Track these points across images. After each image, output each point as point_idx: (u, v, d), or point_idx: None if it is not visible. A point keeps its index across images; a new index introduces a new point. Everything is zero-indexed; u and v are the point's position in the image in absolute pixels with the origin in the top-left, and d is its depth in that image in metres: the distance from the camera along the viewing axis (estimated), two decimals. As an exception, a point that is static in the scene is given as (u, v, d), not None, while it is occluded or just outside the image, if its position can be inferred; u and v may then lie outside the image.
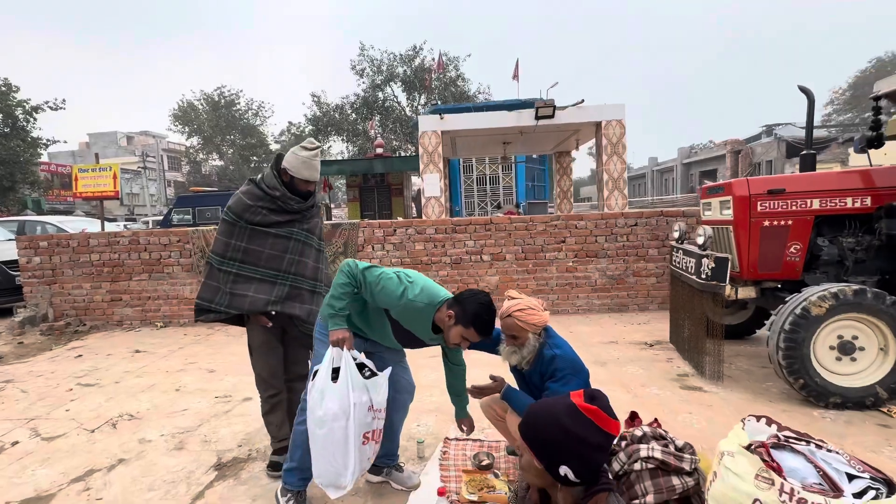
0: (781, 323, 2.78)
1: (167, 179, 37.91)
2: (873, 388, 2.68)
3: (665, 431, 1.96)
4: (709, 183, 4.07)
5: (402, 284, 1.76)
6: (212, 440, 2.70)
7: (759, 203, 3.18)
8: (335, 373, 1.76)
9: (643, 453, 1.83)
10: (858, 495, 1.21)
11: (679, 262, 3.67)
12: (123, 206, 33.72)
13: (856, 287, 2.68)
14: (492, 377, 2.13)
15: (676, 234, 3.84)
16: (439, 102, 24.68)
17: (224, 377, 3.81)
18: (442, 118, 7.21)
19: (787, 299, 2.88)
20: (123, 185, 31.22)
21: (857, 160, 19.67)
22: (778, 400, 2.92)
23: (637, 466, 1.81)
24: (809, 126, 3.79)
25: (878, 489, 1.21)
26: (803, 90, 3.87)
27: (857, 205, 3.07)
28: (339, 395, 1.73)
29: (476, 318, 1.70)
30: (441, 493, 2.08)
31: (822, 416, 2.68)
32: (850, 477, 1.25)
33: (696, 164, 31.90)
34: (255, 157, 35.13)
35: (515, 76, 14.20)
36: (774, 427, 1.56)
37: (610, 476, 1.89)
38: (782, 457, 1.32)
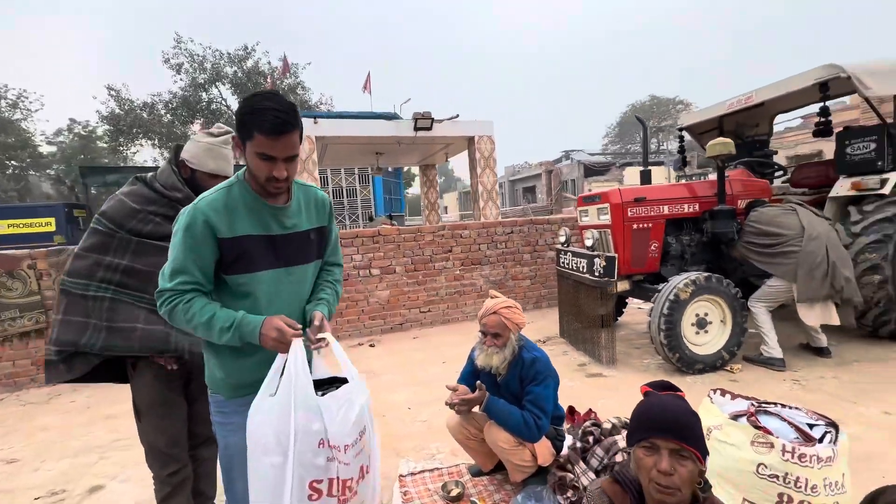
0: (660, 308, 3.32)
1: None
2: (720, 353, 3.41)
3: (627, 418, 2.11)
4: (568, 195, 4.67)
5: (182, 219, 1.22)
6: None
7: (629, 209, 3.77)
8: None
9: (621, 444, 1.91)
10: (820, 440, 1.47)
11: (568, 263, 4.09)
12: None
13: (706, 274, 3.38)
14: (478, 385, 1.97)
15: (563, 239, 4.27)
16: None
17: (41, 466, 2.67)
18: (316, 122, 6.62)
19: (659, 288, 3.46)
20: None
21: (630, 179, 25.57)
22: (660, 373, 3.47)
23: (619, 458, 1.89)
24: (645, 148, 4.68)
25: (830, 431, 1.50)
26: (639, 119, 4.78)
27: (691, 210, 3.91)
28: (277, 413, 1.15)
29: (255, 114, 1.12)
30: (424, 539, 1.81)
31: (693, 381, 3.28)
32: (811, 426, 1.52)
33: (519, 181, 36.79)
34: (14, 162, 26.57)
35: (367, 89, 14.11)
36: (728, 396, 1.81)
37: (592, 472, 1.93)
38: (765, 421, 1.52)
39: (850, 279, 3.22)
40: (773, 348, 3.37)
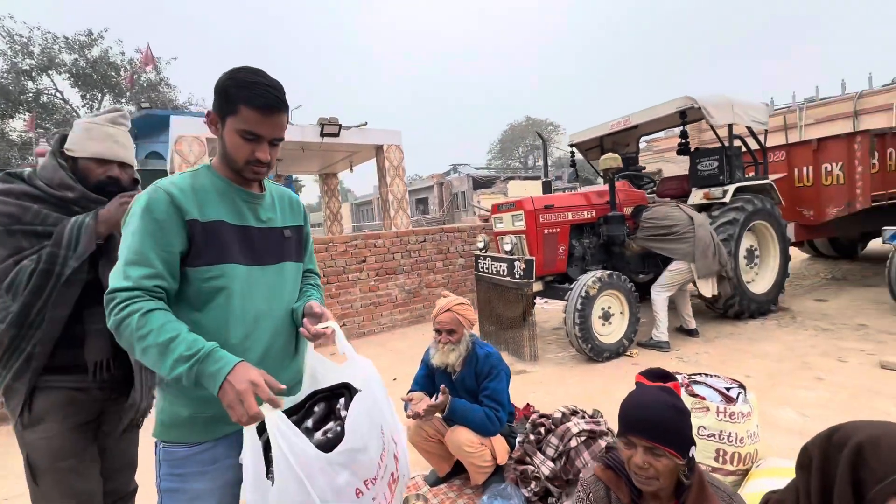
0: (574, 304, 3.67)
1: None
2: (622, 341, 3.88)
3: (573, 405, 2.27)
4: (481, 203, 4.93)
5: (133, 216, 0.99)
6: None
7: (541, 216, 4.10)
8: (268, 464, 0.94)
9: (574, 430, 2.05)
10: (736, 399, 1.77)
11: (488, 268, 4.27)
12: None
13: (608, 272, 3.83)
14: (441, 389, 1.93)
15: (481, 245, 4.46)
16: (135, 107, 19.80)
17: None
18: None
19: (571, 287, 3.82)
20: None
21: (513, 191, 27.74)
22: (575, 363, 3.81)
23: (573, 443, 2.02)
24: (545, 161, 5.16)
25: (741, 391, 1.81)
26: (539, 135, 5.25)
27: (589, 216, 4.40)
28: (291, 497, 0.91)
29: (244, 88, 0.98)
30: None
31: (603, 367, 3.67)
32: (727, 389, 1.82)
33: (412, 193, 37.36)
34: None
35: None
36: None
37: (550, 461, 2.04)
38: (697, 390, 1.78)
39: (726, 255, 4.00)
40: (662, 333, 3.95)
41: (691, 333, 4.24)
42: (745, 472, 1.66)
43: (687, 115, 4.37)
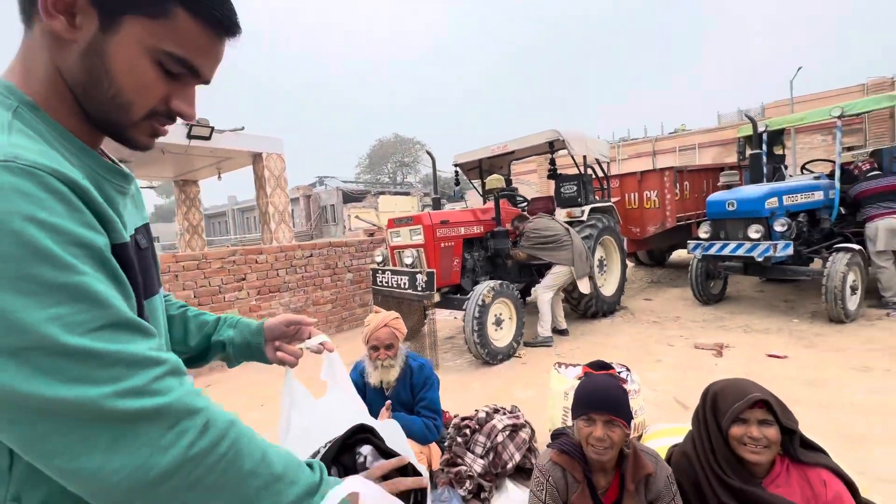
0: (472, 312, 3.94)
1: None
2: (511, 344, 4.29)
3: (494, 404, 2.46)
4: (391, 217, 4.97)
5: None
6: None
7: (437, 230, 4.31)
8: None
9: (500, 426, 2.24)
10: (626, 380, 2.17)
11: (387, 281, 4.30)
12: None
13: (499, 282, 4.22)
14: (386, 406, 1.91)
15: (379, 259, 4.46)
16: None
17: None
18: None
19: (468, 296, 4.09)
20: None
21: (384, 205, 27.96)
22: (473, 368, 4.06)
23: (500, 438, 2.20)
24: (435, 178, 5.44)
25: (628, 372, 2.22)
26: (429, 153, 5.51)
27: (478, 231, 4.78)
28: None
29: None
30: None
31: (498, 370, 4.01)
32: (619, 372, 2.21)
33: (273, 205, 34.81)
34: None
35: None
36: (564, 366, 2.40)
37: (480, 459, 2.18)
38: (600, 375, 2.12)
39: (592, 259, 4.75)
40: (546, 329, 4.49)
41: (563, 333, 4.90)
42: (639, 438, 2.04)
43: (554, 146, 5.11)
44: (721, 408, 1.32)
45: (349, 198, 29.22)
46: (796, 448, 1.27)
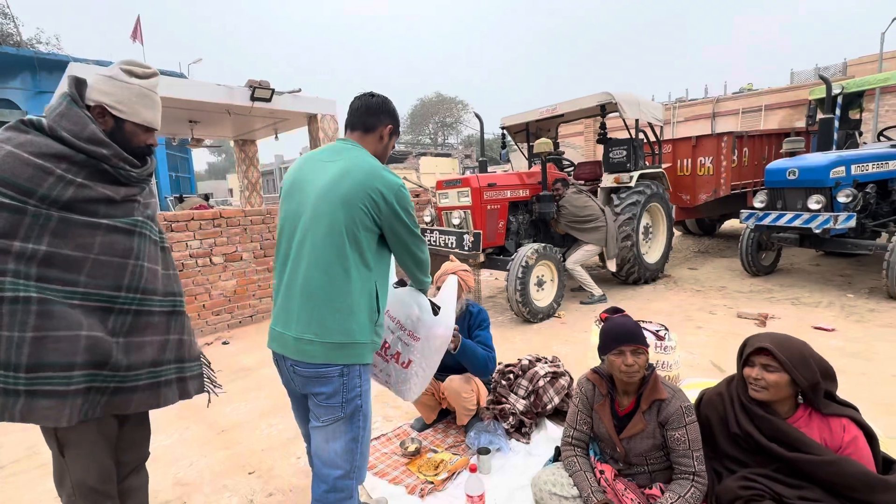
0: (515, 272, 4.12)
1: None
2: (552, 304, 4.47)
3: (537, 354, 2.69)
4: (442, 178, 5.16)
5: None
6: None
7: (484, 193, 4.46)
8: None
9: (541, 372, 2.47)
10: (664, 337, 2.32)
11: (436, 241, 4.54)
12: None
13: (543, 244, 4.35)
14: (455, 330, 2.16)
15: (428, 219, 4.69)
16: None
17: None
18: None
19: (512, 257, 4.27)
20: None
21: (425, 167, 28.02)
22: (514, 325, 4.30)
23: (541, 383, 2.44)
24: (482, 141, 5.51)
25: (667, 332, 2.37)
26: (477, 116, 5.56)
27: (524, 195, 4.88)
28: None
29: None
30: (411, 490, 1.96)
31: (538, 328, 4.22)
32: (657, 330, 2.36)
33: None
34: None
35: (137, 37, 11.31)
36: (604, 323, 2.57)
37: (522, 399, 2.43)
38: (639, 332, 2.28)
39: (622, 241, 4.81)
40: (595, 290, 4.65)
41: (600, 300, 5.01)
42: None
43: (605, 109, 5.02)
44: (743, 352, 1.51)
45: (390, 159, 29.40)
46: (819, 400, 1.40)
